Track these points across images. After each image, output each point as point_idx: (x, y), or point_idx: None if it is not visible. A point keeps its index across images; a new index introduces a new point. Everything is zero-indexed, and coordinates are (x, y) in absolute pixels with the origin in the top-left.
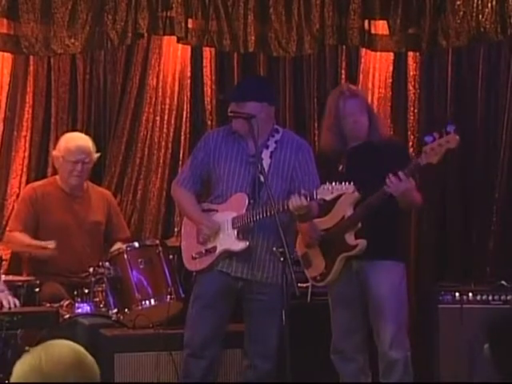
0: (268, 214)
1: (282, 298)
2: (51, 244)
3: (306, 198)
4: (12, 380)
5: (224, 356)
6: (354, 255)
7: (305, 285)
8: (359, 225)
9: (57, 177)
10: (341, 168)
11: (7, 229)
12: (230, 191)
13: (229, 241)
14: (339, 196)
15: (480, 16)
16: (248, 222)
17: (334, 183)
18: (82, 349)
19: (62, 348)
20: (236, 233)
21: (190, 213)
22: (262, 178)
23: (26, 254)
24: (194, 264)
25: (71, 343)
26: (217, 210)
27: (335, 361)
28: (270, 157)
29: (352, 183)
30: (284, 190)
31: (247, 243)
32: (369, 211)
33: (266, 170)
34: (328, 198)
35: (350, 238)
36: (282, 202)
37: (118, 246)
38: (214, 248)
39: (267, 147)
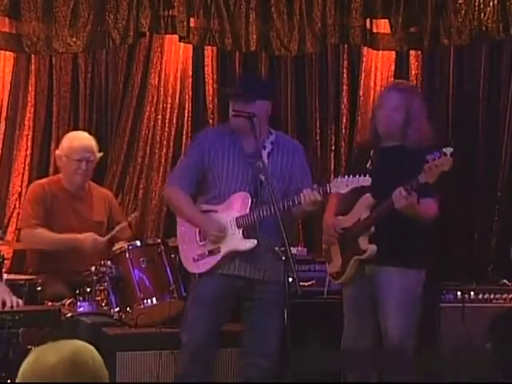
0: (273, 212)
1: (284, 296)
2: (91, 236)
3: (320, 193)
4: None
5: (219, 355)
6: (364, 259)
7: (307, 283)
8: (372, 229)
9: (60, 176)
10: (368, 165)
11: (22, 226)
12: (229, 191)
13: (235, 241)
14: (355, 189)
15: (482, 15)
16: (254, 221)
17: (349, 176)
18: (88, 350)
19: (66, 345)
20: (241, 232)
21: (192, 215)
22: (262, 177)
23: (48, 249)
24: (196, 266)
25: (82, 343)
26: (216, 211)
27: None
28: (268, 157)
29: (367, 175)
30: (282, 190)
31: (255, 242)
32: (380, 217)
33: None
34: (343, 191)
35: (362, 242)
36: (292, 197)
37: (119, 244)
38: (218, 249)
39: (264, 148)
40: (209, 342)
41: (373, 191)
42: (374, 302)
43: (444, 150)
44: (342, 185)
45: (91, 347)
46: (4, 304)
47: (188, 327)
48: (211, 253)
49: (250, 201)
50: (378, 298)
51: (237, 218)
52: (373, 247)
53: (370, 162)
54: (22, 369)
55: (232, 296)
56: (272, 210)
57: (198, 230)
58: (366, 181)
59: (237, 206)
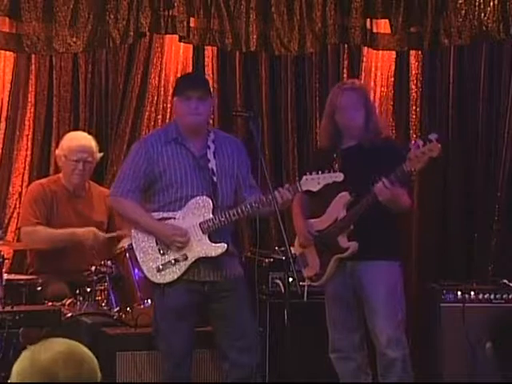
0: (242, 214)
1: (247, 288)
2: (91, 230)
3: (290, 192)
4: (12, 372)
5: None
6: (346, 257)
7: (307, 283)
8: (351, 227)
9: (60, 175)
10: (336, 167)
11: (22, 225)
12: (185, 198)
13: (203, 247)
14: (327, 185)
15: (482, 15)
16: (221, 225)
17: (319, 172)
18: (80, 345)
19: (59, 341)
20: (208, 237)
21: (149, 225)
22: (215, 179)
23: (49, 246)
24: (162, 276)
25: (72, 341)
26: (174, 218)
27: (334, 360)
28: (214, 157)
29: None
30: (232, 187)
31: (225, 246)
32: (360, 214)
33: (215, 169)
34: (315, 189)
35: (342, 240)
36: (262, 197)
37: (122, 243)
38: (185, 256)
39: (209, 147)
40: (188, 349)
41: (345, 191)
42: (357, 299)
43: (429, 136)
44: (314, 182)
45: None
46: None
47: (164, 338)
48: (177, 261)
49: (211, 205)
50: (363, 295)
51: (201, 223)
52: (355, 244)
53: (335, 164)
54: (16, 367)
55: (200, 302)
56: (241, 212)
57: (156, 239)
58: (339, 176)
59: (198, 211)
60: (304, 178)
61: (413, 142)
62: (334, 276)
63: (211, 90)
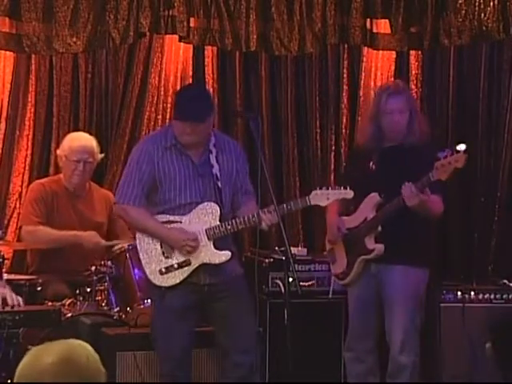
0: (248, 224)
1: (247, 287)
2: (94, 234)
3: (299, 205)
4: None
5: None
6: (371, 259)
7: (307, 283)
8: (379, 228)
9: (61, 175)
10: (371, 165)
11: (23, 224)
12: (189, 204)
13: (207, 253)
14: (358, 186)
15: (482, 15)
16: (227, 233)
17: (329, 188)
18: (80, 347)
19: (60, 344)
20: (213, 244)
21: (158, 230)
22: (219, 184)
23: (51, 246)
24: (164, 279)
25: (77, 342)
26: (180, 222)
27: (346, 359)
28: (217, 161)
29: (348, 187)
30: (232, 192)
31: (229, 254)
32: (387, 216)
33: (219, 175)
34: (323, 204)
35: (369, 242)
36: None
37: (120, 244)
38: (188, 261)
39: (211, 152)
40: (188, 350)
41: (379, 191)
42: (379, 302)
43: (457, 147)
44: (323, 197)
45: (86, 346)
46: (4, 301)
47: (164, 339)
48: (180, 266)
49: (219, 212)
50: (385, 297)
51: (207, 229)
52: (380, 247)
53: (372, 163)
54: (18, 370)
55: (199, 302)
56: (248, 222)
57: (161, 242)
58: (348, 194)
59: (205, 216)
60: (313, 192)
61: (441, 150)
62: (359, 277)
63: (213, 104)
